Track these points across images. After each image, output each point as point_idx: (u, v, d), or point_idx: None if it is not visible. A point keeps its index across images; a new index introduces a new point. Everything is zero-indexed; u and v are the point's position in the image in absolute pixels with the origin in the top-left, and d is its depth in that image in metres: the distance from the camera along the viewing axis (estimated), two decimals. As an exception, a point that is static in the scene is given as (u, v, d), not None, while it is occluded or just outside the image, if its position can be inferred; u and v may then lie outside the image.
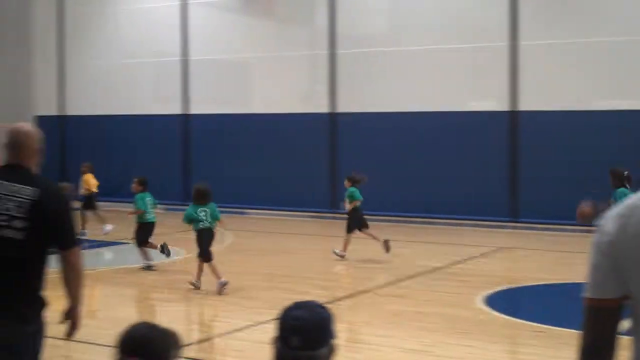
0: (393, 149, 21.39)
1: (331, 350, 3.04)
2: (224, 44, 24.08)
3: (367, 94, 21.95)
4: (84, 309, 10.88)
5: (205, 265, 12.05)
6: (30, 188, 4.74)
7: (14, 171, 4.85)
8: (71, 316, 5.10)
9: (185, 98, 24.50)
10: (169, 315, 10.49)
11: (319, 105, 22.71)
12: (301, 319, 2.97)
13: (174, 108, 24.57)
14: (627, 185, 11.76)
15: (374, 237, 14.98)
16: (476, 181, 20.51)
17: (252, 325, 9.67)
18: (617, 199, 11.41)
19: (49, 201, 4.77)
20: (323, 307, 3.09)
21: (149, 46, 25.06)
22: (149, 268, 13.77)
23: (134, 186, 14.44)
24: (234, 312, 10.60)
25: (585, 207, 11.23)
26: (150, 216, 14.12)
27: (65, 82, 26.69)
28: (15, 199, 4.71)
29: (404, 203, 21.20)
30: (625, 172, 11.86)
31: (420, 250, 16.63)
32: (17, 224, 4.69)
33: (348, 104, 22.19)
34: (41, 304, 4.93)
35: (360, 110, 21.94)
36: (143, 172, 23.92)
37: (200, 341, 9.11)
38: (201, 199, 12.60)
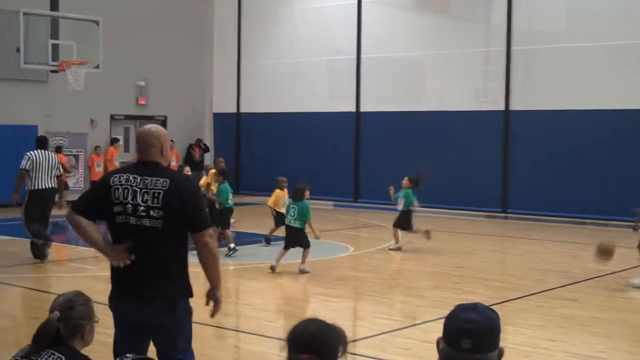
0: (568, 148, 20.71)
1: (500, 354, 2.94)
2: (397, 42, 24.07)
3: (543, 92, 21.37)
4: (253, 303, 11.16)
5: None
6: (161, 179, 5.19)
7: (145, 166, 5.30)
8: (212, 297, 5.37)
9: (358, 95, 24.66)
10: (337, 311, 10.56)
11: (493, 102, 22.31)
12: (473, 322, 2.88)
13: (347, 106, 24.79)
14: None
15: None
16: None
17: (418, 324, 9.60)
18: None
19: (178, 189, 5.18)
20: (492, 310, 2.99)
21: (323, 45, 25.37)
22: (232, 250, 14.65)
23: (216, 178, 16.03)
24: (402, 310, 10.55)
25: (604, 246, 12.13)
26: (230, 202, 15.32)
27: (242, 81, 27.47)
28: (150, 190, 5.16)
29: (577, 204, 20.49)
30: None
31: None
32: (154, 213, 5.13)
33: (523, 102, 21.68)
34: (187, 287, 5.31)
35: (535, 108, 21.38)
36: (314, 168, 24.44)
37: (366, 337, 9.11)
38: (295, 196, 13.32)
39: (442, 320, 2.93)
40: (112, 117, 25.80)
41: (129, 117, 26.31)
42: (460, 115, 22.57)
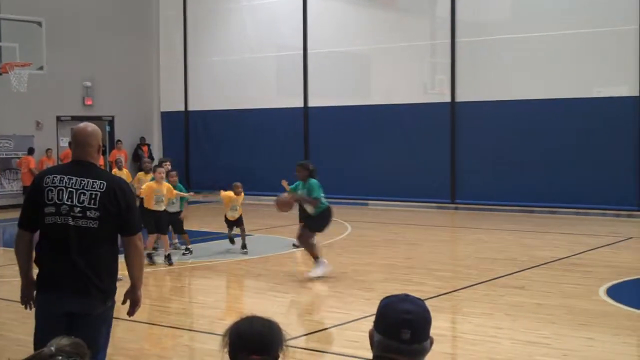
0: (514, 137, 20.99)
1: (432, 342, 3.02)
2: (343, 36, 24.15)
3: (488, 83, 21.62)
4: (203, 301, 11.18)
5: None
6: (99, 181, 5.30)
7: (82, 167, 5.38)
8: (132, 296, 5.58)
9: (306, 91, 24.71)
10: (286, 306, 10.62)
11: (440, 94, 22.51)
12: (411, 312, 2.95)
13: (295, 101, 24.82)
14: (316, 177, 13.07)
15: None
16: (603, 169, 19.91)
17: (368, 317, 9.67)
18: (309, 189, 12.76)
19: (116, 193, 5.31)
20: (421, 300, 3.06)
21: (270, 40, 25.36)
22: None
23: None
24: (351, 303, 10.63)
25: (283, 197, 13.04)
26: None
27: (189, 79, 27.34)
28: (87, 192, 5.26)
29: (525, 192, 20.79)
30: (311, 165, 13.35)
31: (543, 241, 16.25)
32: (91, 214, 5.25)
33: (469, 93, 21.91)
34: (115, 285, 5.49)
35: (481, 99, 21.63)
36: (264, 164, 24.46)
37: (316, 331, 9.18)
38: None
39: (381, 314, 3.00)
40: (58, 118, 25.53)
41: (75, 118, 25.99)
42: (407, 108, 22.74)
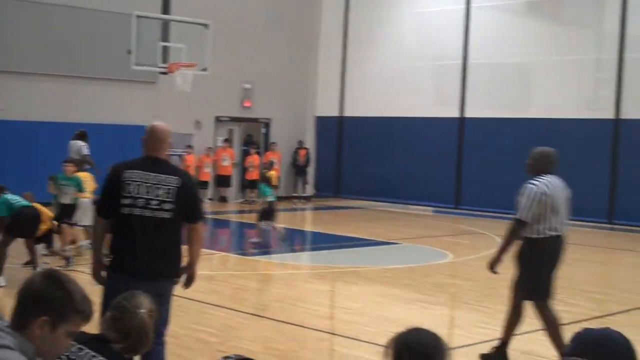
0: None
1: None
2: (505, 47, 23.64)
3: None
4: (350, 307, 11.17)
5: None
6: (174, 177, 5.95)
7: (157, 163, 6.00)
8: (188, 271, 6.25)
9: (463, 101, 24.38)
10: (434, 318, 10.45)
11: (603, 110, 21.69)
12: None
13: (451, 111, 24.52)
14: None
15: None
16: None
17: (517, 335, 9.37)
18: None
19: (187, 186, 6.03)
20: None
21: (429, 49, 25.13)
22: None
23: None
24: (501, 319, 10.32)
25: None
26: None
27: (345, 85, 27.49)
28: (163, 186, 5.90)
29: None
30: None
31: None
32: (166, 206, 5.91)
33: (635, 110, 21.03)
34: (180, 266, 6.19)
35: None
36: (415, 173, 24.30)
37: (464, 346, 9.00)
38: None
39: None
40: (217, 118, 26.19)
41: (233, 119, 26.68)
42: (567, 124, 22.03)
